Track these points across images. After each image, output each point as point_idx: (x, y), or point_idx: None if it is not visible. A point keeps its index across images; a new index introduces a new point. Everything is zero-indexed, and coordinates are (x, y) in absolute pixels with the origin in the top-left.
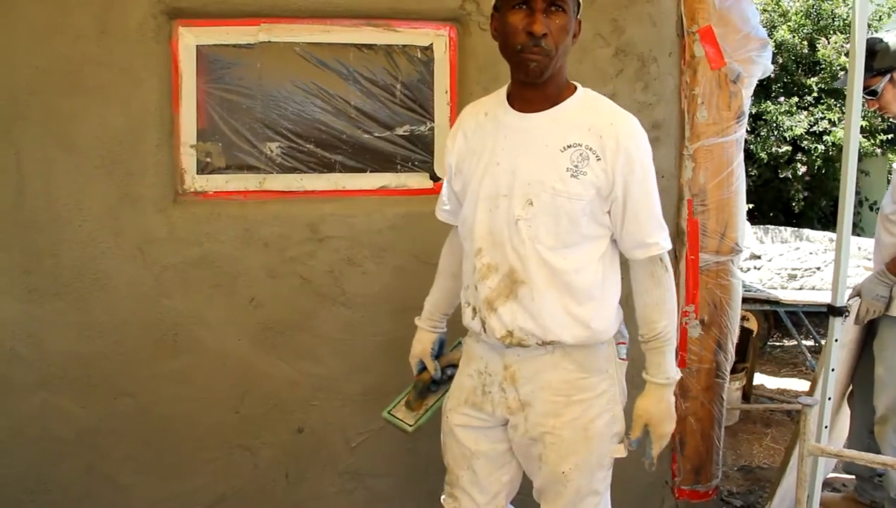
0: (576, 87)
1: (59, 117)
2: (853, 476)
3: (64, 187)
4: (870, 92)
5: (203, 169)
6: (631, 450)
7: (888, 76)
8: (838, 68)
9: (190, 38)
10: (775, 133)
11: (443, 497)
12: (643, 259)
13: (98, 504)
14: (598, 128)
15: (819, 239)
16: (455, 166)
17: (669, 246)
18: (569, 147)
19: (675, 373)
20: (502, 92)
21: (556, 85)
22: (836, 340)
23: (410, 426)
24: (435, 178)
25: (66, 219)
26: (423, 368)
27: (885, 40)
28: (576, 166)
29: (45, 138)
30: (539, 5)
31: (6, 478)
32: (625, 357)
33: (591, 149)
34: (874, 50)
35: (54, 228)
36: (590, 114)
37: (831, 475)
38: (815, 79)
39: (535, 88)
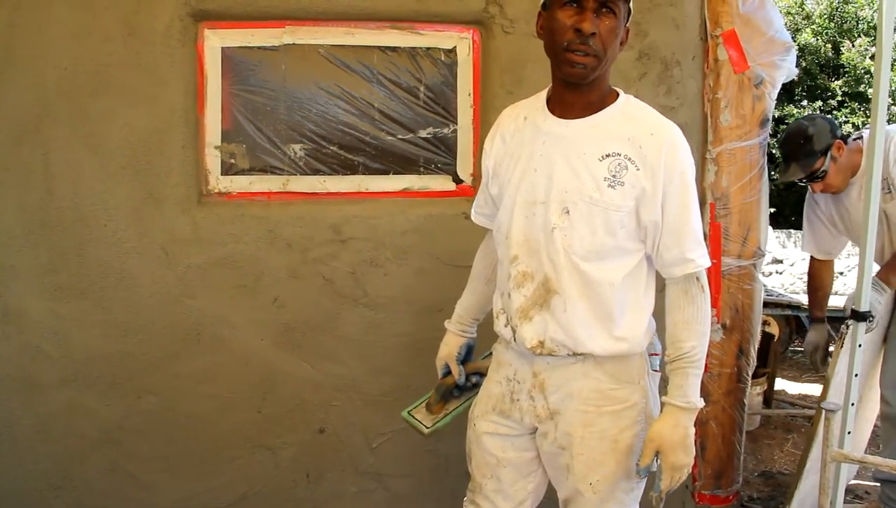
0: (618, 94)
1: (86, 118)
2: (877, 484)
3: (90, 187)
4: (817, 175)
5: (227, 170)
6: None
7: (828, 154)
8: (863, 72)
9: (215, 40)
10: None
11: (464, 502)
12: (679, 276)
13: (121, 501)
14: (637, 138)
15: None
16: (492, 170)
17: (708, 263)
18: (607, 156)
19: (698, 400)
20: (542, 96)
21: (599, 91)
22: (860, 345)
23: (427, 428)
24: (458, 180)
25: (93, 219)
26: (449, 372)
27: (814, 121)
28: (614, 176)
29: (73, 139)
30: (590, 5)
31: (32, 474)
32: (658, 368)
33: (629, 159)
34: (808, 134)
35: (80, 228)
36: (630, 123)
37: (853, 481)
38: (838, 82)
39: (576, 92)
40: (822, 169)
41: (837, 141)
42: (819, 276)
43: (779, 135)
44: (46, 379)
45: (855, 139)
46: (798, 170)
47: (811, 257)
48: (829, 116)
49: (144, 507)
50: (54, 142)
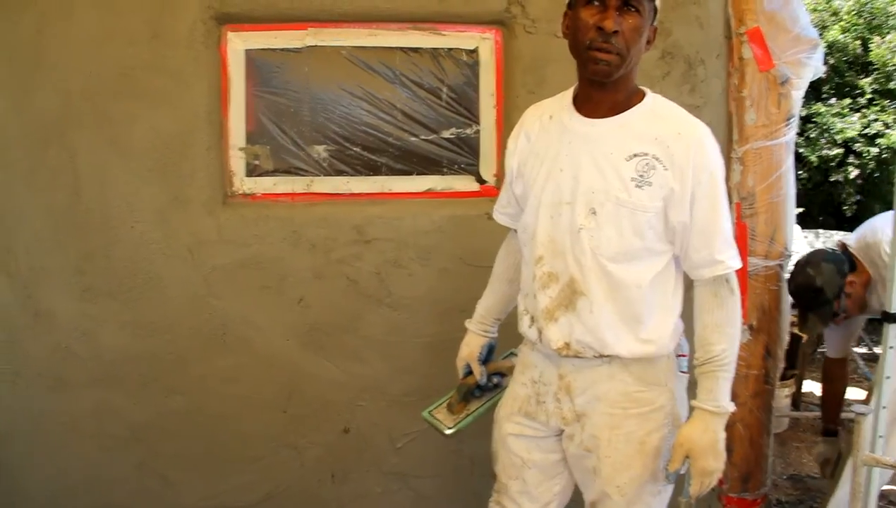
0: (645, 94)
1: (112, 121)
2: None
3: (117, 189)
4: (838, 315)
5: (251, 171)
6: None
7: (842, 295)
8: (892, 68)
9: (239, 43)
10: (826, 135)
11: (490, 502)
12: (708, 278)
13: (149, 499)
14: (665, 138)
15: None
16: (516, 169)
17: (738, 264)
18: (634, 156)
19: (728, 404)
20: (567, 95)
21: (625, 90)
22: (892, 347)
23: (449, 428)
24: (481, 181)
25: (119, 221)
26: (470, 372)
27: (819, 269)
28: (641, 176)
29: (99, 141)
30: (613, 3)
31: (62, 471)
32: (685, 370)
33: (657, 159)
34: (818, 287)
35: (107, 229)
36: (658, 123)
37: (886, 487)
38: (867, 79)
39: (602, 91)
40: (841, 309)
41: (847, 278)
42: (835, 382)
43: (805, 135)
44: (76, 379)
45: (848, 254)
46: (818, 322)
47: (826, 360)
48: (831, 251)
49: (171, 505)
50: (80, 144)
